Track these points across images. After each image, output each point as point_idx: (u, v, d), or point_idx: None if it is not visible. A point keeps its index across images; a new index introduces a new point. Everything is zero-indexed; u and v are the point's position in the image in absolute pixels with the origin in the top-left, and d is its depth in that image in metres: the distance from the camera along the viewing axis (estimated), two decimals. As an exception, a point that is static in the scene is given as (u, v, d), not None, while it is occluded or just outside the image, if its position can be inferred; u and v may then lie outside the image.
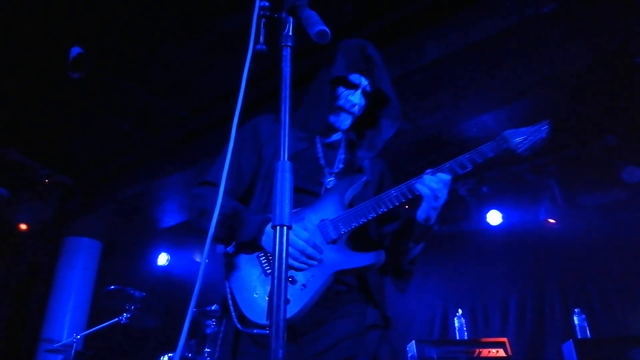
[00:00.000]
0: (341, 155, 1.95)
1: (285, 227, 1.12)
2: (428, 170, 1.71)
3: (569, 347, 4.48)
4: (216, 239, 1.74)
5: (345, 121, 1.91)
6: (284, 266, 1.08)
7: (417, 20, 3.96)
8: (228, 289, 1.66)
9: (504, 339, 4.78)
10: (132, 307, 4.36)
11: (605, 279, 5.45)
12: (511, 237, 6.29)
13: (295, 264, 1.60)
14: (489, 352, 4.85)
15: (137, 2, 4.02)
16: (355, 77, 1.87)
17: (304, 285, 1.59)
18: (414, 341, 4.99)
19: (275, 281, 1.07)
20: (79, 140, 6.02)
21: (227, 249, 1.72)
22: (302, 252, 1.60)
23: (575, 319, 4.87)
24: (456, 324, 5.57)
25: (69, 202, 6.99)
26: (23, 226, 6.96)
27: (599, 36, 3.85)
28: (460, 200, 6.44)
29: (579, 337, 4.73)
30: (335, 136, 1.97)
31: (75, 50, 4.24)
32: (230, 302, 1.63)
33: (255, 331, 1.56)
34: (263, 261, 1.65)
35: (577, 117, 4.97)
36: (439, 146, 5.25)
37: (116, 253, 7.54)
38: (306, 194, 1.79)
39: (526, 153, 1.75)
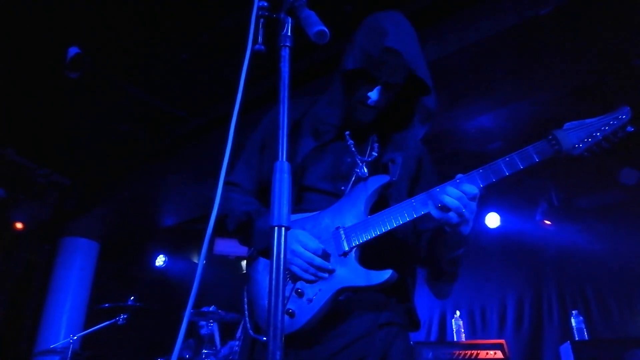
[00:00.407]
0: (374, 143, 1.77)
1: (283, 228, 1.10)
2: (458, 176, 1.51)
3: (566, 349, 4.48)
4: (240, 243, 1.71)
5: (366, 115, 1.70)
6: (281, 267, 1.07)
7: (416, 20, 3.94)
8: (245, 295, 1.63)
9: (502, 341, 4.78)
10: (128, 308, 4.37)
11: (603, 281, 5.46)
12: (509, 239, 6.31)
13: (305, 275, 1.51)
14: (487, 353, 4.85)
15: (136, 2, 4.00)
16: (373, 69, 1.62)
17: (309, 299, 1.52)
18: (411, 343, 4.99)
19: (273, 282, 1.06)
20: (76, 140, 6.01)
21: (249, 253, 1.68)
22: (310, 264, 1.50)
23: (573, 320, 4.88)
24: (454, 326, 5.57)
25: (66, 202, 6.97)
26: (19, 225, 6.92)
27: (596, 38, 3.85)
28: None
29: (577, 338, 4.73)
30: (363, 128, 1.76)
31: (73, 50, 4.23)
32: (246, 307, 1.59)
33: (264, 338, 1.50)
34: None
35: (575, 118, 4.98)
36: (436, 146, 5.26)
37: (114, 253, 7.53)
38: (325, 194, 1.68)
39: (588, 154, 1.41)
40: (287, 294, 1.52)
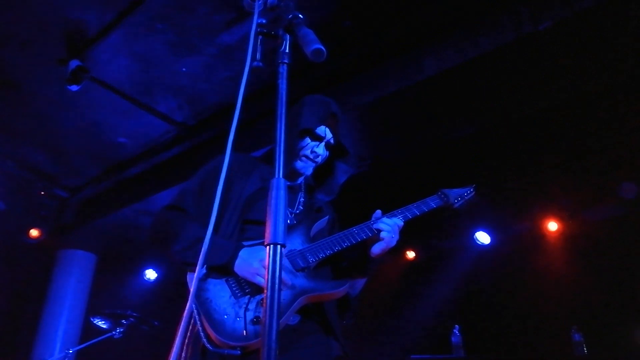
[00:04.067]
0: (301, 198, 2.09)
1: (279, 246, 1.10)
2: (380, 214, 1.95)
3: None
4: (186, 264, 1.78)
5: (309, 168, 2.08)
6: (277, 285, 1.06)
7: (415, 36, 3.98)
8: (195, 312, 1.69)
9: (500, 354, 4.75)
10: (125, 323, 4.33)
11: (602, 296, 5.43)
12: (508, 253, 6.30)
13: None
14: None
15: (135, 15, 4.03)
16: (321, 130, 2.05)
17: None
18: (411, 356, 4.96)
19: (269, 301, 1.05)
20: (75, 152, 6.01)
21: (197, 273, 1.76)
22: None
23: (573, 336, 4.85)
24: (453, 340, 5.53)
25: (64, 214, 6.96)
26: (34, 232, 6.86)
27: (596, 54, 3.87)
28: (458, 215, 6.45)
29: (576, 354, 4.70)
30: (298, 180, 2.12)
31: (74, 63, 4.25)
32: (198, 323, 1.65)
33: (226, 351, 1.58)
34: (232, 284, 1.72)
35: (576, 131, 4.99)
36: (434, 160, 5.27)
37: (111, 266, 7.49)
38: None
39: (460, 209, 2.11)
40: (252, 305, 1.67)
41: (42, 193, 6.59)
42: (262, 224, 1.81)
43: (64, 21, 4.08)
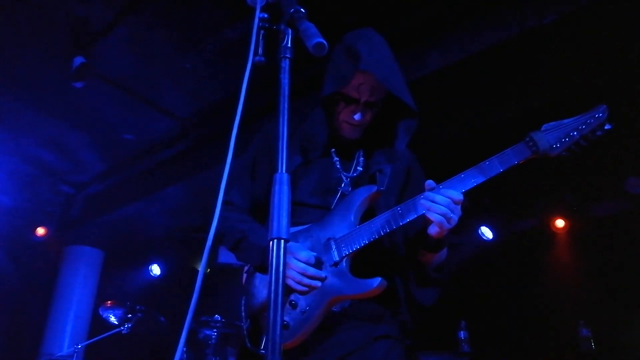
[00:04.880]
0: (360, 157, 1.84)
1: (282, 240, 1.09)
2: (433, 185, 1.54)
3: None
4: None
5: (355, 132, 1.79)
6: (280, 280, 1.06)
7: (420, 30, 3.96)
8: (242, 307, 1.65)
9: (506, 352, 4.74)
10: (132, 317, 4.36)
11: (610, 291, 5.40)
12: (515, 248, 6.27)
13: (298, 287, 1.51)
14: (492, 364, 4.81)
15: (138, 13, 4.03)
16: (352, 91, 1.70)
17: (303, 311, 1.55)
18: (417, 353, 4.96)
19: (272, 295, 1.04)
20: (80, 148, 6.04)
21: (247, 267, 1.71)
22: (304, 274, 1.51)
23: (580, 331, 4.83)
24: (460, 335, 5.52)
25: (70, 211, 6.99)
26: (41, 230, 6.95)
27: (600, 48, 3.84)
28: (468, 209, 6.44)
29: (584, 349, 4.68)
30: (349, 144, 1.85)
31: (78, 60, 4.27)
32: (243, 321, 1.62)
33: (262, 351, 1.53)
34: None
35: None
36: (439, 155, 5.24)
37: (118, 261, 7.53)
38: (315, 208, 1.72)
39: (567, 154, 1.41)
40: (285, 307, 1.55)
41: (49, 189, 6.62)
42: (309, 206, 1.68)
43: (69, 17, 4.10)
